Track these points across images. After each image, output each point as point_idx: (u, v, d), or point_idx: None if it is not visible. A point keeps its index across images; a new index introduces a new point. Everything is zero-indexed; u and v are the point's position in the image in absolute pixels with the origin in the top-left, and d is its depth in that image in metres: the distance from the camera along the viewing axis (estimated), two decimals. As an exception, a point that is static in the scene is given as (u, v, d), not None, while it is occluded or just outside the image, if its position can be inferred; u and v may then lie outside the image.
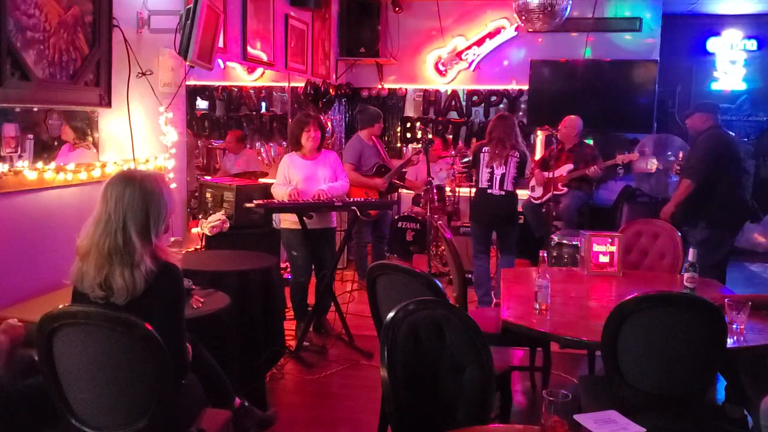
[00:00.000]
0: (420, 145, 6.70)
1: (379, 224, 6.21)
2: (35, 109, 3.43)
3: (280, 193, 4.58)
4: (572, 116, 6.52)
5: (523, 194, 6.88)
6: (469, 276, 5.71)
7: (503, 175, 5.24)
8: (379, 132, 6.21)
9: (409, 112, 8.48)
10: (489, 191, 5.29)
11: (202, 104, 8.23)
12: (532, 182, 6.79)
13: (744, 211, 5.04)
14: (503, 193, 5.27)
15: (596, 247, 3.67)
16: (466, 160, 6.78)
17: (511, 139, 5.25)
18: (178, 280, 2.37)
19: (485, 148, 5.35)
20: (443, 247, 6.06)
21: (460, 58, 8.09)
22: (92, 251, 2.27)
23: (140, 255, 2.25)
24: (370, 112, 6.08)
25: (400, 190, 7.09)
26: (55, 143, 3.59)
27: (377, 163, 6.03)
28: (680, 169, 5.30)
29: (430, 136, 7.95)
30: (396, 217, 6.93)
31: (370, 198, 5.70)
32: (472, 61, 8.06)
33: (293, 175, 4.66)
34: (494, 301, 5.44)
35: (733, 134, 5.07)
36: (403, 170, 6.40)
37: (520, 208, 6.69)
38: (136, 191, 2.30)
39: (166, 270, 2.31)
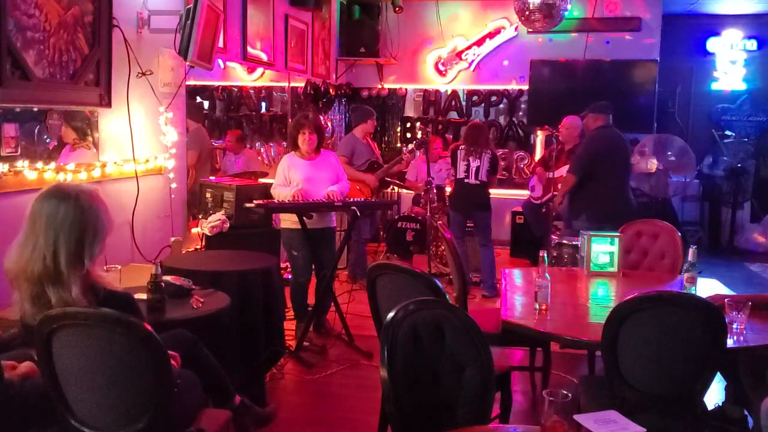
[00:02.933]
0: (412, 145, 6.76)
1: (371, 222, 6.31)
2: (35, 109, 3.43)
3: (281, 194, 4.56)
4: (573, 117, 6.52)
5: (522, 194, 6.89)
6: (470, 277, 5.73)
7: (478, 168, 5.89)
8: (373, 129, 6.34)
9: (409, 112, 8.48)
10: (466, 181, 5.93)
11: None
12: (533, 182, 6.80)
13: (625, 207, 5.16)
14: (478, 182, 5.91)
15: (596, 247, 3.67)
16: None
17: (482, 139, 5.97)
18: (133, 309, 2.19)
19: (461, 146, 6.02)
20: (443, 247, 6.08)
21: (460, 58, 8.09)
22: (20, 279, 2.08)
23: (68, 283, 2.04)
24: (363, 109, 6.32)
25: (400, 190, 7.09)
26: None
27: (369, 160, 6.12)
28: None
29: (429, 135, 7.94)
30: (396, 217, 6.93)
31: (363, 194, 5.82)
32: (472, 61, 8.07)
33: (293, 175, 4.65)
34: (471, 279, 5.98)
35: (621, 134, 5.31)
36: (395, 169, 6.43)
37: (519, 207, 6.82)
38: (71, 209, 2.04)
39: (114, 301, 2.08)
